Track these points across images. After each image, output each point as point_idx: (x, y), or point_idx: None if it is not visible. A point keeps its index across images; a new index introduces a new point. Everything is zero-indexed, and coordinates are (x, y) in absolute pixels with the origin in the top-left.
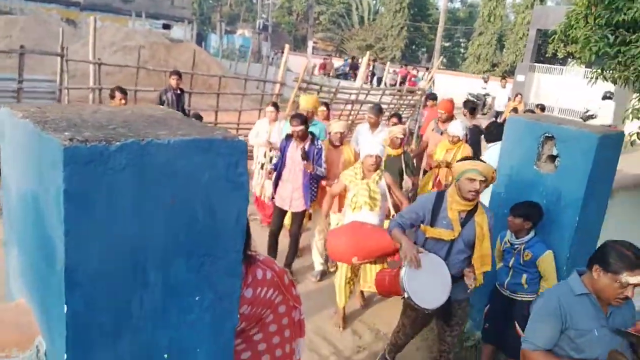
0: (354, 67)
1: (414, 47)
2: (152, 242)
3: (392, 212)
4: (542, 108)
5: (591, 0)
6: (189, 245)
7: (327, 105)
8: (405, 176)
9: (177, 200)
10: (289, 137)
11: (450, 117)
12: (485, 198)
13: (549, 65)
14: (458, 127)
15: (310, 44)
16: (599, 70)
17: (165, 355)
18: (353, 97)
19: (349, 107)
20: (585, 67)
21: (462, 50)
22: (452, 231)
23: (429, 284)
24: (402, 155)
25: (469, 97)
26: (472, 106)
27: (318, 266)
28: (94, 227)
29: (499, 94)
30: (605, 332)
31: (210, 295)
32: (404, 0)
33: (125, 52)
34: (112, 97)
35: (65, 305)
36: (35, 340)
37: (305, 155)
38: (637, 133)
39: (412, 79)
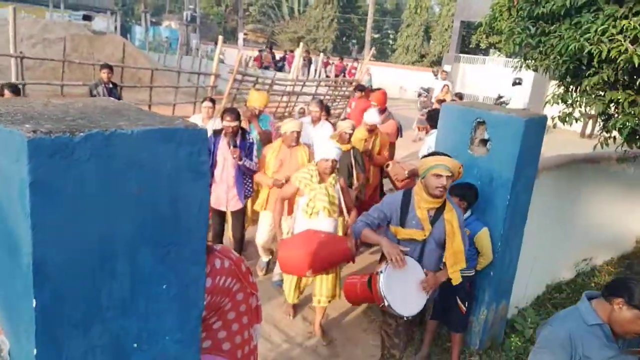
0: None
1: (344, 38)
2: (119, 232)
3: (346, 217)
4: (460, 96)
5: None
6: (154, 235)
7: None
8: (355, 172)
9: (142, 190)
10: (217, 134)
11: (383, 110)
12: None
13: (472, 56)
14: (374, 115)
15: (240, 35)
16: (522, 59)
17: (135, 345)
18: (289, 89)
19: (285, 98)
20: (506, 56)
21: (391, 41)
22: (423, 231)
23: (407, 289)
24: (351, 151)
25: (420, 90)
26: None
27: (264, 257)
28: (61, 220)
29: (438, 86)
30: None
31: (177, 284)
32: None
33: (45, 46)
34: (1, 94)
35: (34, 300)
36: None
37: (235, 144)
38: (558, 117)
39: (353, 70)
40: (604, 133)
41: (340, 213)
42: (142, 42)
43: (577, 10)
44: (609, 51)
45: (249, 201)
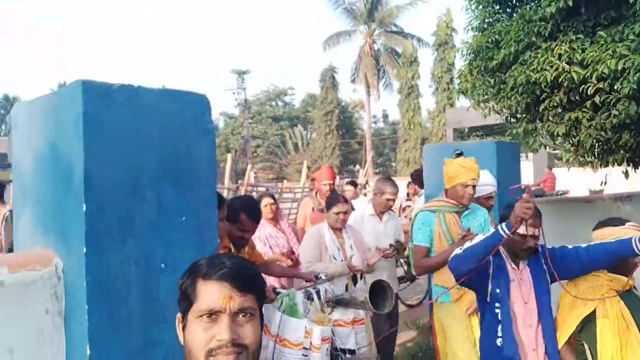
0: None
1: (349, 164)
2: (146, 165)
3: None
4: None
5: (471, 57)
6: (173, 174)
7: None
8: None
9: (163, 136)
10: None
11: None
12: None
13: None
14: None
15: (252, 174)
16: (491, 106)
17: (163, 265)
18: (298, 195)
19: (295, 205)
20: None
21: (393, 163)
22: None
23: None
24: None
25: None
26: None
27: None
28: (104, 144)
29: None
30: None
31: (194, 220)
32: (332, 124)
33: None
34: None
35: (84, 205)
36: (53, 260)
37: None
38: (528, 147)
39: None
40: (577, 157)
41: None
42: None
43: (522, 53)
44: (552, 76)
45: None
